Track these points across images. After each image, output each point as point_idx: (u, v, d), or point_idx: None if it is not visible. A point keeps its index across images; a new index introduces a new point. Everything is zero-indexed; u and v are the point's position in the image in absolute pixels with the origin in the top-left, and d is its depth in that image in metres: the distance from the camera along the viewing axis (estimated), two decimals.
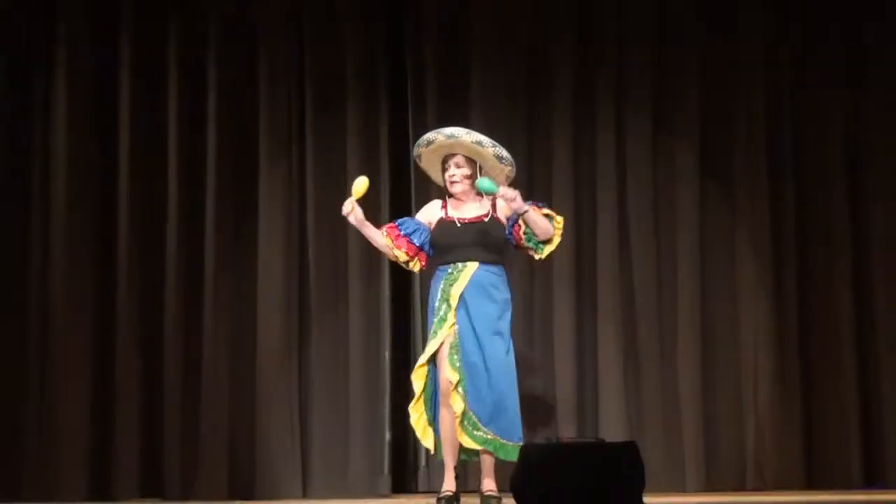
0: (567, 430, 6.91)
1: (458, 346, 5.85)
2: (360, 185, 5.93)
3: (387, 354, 7.13)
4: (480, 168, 5.98)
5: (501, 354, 5.85)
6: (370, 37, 7.29)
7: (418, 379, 5.92)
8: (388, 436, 7.05)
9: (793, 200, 7.23)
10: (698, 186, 7.22)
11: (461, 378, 5.81)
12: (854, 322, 7.13)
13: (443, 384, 5.84)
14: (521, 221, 5.89)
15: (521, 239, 5.96)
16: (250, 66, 7.26)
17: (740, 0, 7.35)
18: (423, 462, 7.05)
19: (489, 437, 5.79)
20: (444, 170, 6.04)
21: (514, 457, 5.64)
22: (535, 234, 5.92)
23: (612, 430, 6.94)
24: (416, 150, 6.11)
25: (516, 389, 5.90)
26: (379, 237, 6.03)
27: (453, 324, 5.88)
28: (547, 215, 5.94)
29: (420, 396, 5.91)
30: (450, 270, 5.93)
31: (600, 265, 7.14)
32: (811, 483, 7.00)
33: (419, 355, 6.85)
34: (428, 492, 6.87)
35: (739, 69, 7.30)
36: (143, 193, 7.18)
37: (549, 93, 7.25)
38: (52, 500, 6.77)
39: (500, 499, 5.78)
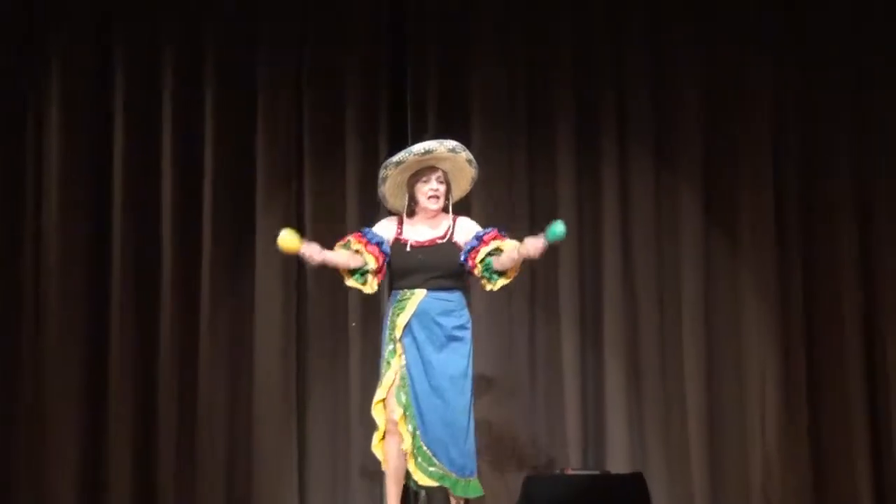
0: (571, 462, 6.79)
1: (406, 379, 5.57)
2: (288, 240, 5.48)
3: None
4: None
5: (451, 386, 5.53)
6: (372, 84, 7.14)
7: (378, 414, 5.63)
8: None
9: (798, 234, 7.05)
10: (701, 221, 7.04)
11: (407, 412, 5.53)
12: (862, 356, 6.94)
13: (388, 417, 5.59)
14: (485, 250, 5.56)
15: (475, 267, 5.63)
16: (249, 106, 7.13)
17: (744, 35, 7.11)
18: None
19: (443, 472, 5.54)
20: (414, 186, 5.69)
21: (472, 492, 5.55)
22: (502, 265, 5.56)
23: (618, 461, 6.82)
24: (382, 173, 5.70)
25: (471, 420, 5.60)
26: (340, 256, 5.64)
27: (401, 354, 5.60)
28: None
29: (383, 431, 5.63)
30: (399, 298, 5.64)
31: (605, 298, 6.99)
32: None
33: None
34: None
35: (743, 102, 7.09)
36: (137, 224, 7.07)
37: (551, 138, 7.08)
38: None
39: None
